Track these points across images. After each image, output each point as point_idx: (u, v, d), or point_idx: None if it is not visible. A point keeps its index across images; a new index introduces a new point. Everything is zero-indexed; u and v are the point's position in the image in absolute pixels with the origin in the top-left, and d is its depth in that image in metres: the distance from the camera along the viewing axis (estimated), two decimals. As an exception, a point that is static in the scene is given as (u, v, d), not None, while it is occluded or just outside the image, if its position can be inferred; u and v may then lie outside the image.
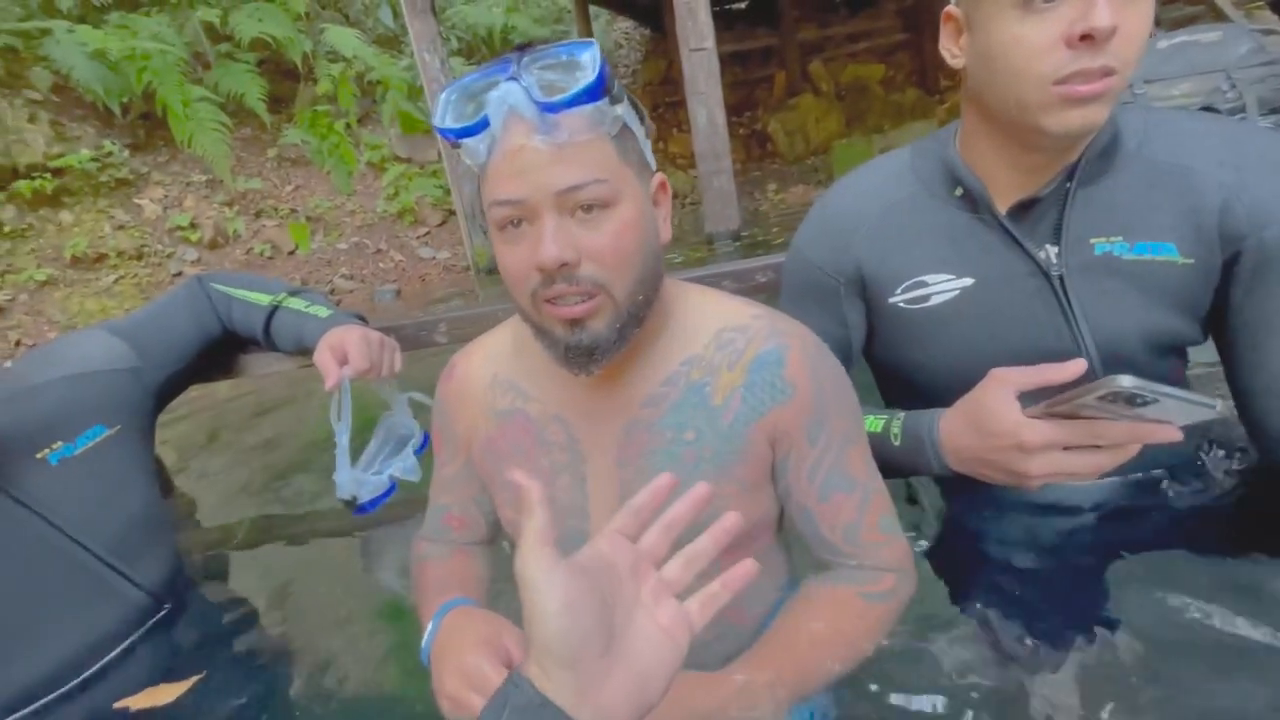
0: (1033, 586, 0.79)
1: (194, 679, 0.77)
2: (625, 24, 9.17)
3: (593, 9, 7.75)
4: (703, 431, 0.64)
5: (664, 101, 8.07)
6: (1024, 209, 0.74)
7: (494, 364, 0.74)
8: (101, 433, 0.87)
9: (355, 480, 0.96)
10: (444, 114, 0.59)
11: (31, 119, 4.43)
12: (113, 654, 0.80)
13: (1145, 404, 0.53)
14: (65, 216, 4.43)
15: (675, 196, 6.92)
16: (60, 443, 0.83)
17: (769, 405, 0.64)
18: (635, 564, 0.45)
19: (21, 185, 4.21)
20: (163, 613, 0.86)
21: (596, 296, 0.58)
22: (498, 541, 0.85)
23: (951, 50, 0.73)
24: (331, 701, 0.81)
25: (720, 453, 0.64)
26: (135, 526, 0.85)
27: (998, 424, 0.64)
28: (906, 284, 0.80)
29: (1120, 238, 0.72)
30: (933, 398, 0.78)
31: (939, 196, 0.79)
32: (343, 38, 5.83)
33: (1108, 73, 0.62)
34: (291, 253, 5.15)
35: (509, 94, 0.55)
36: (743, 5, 8.65)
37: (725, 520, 0.47)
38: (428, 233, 5.80)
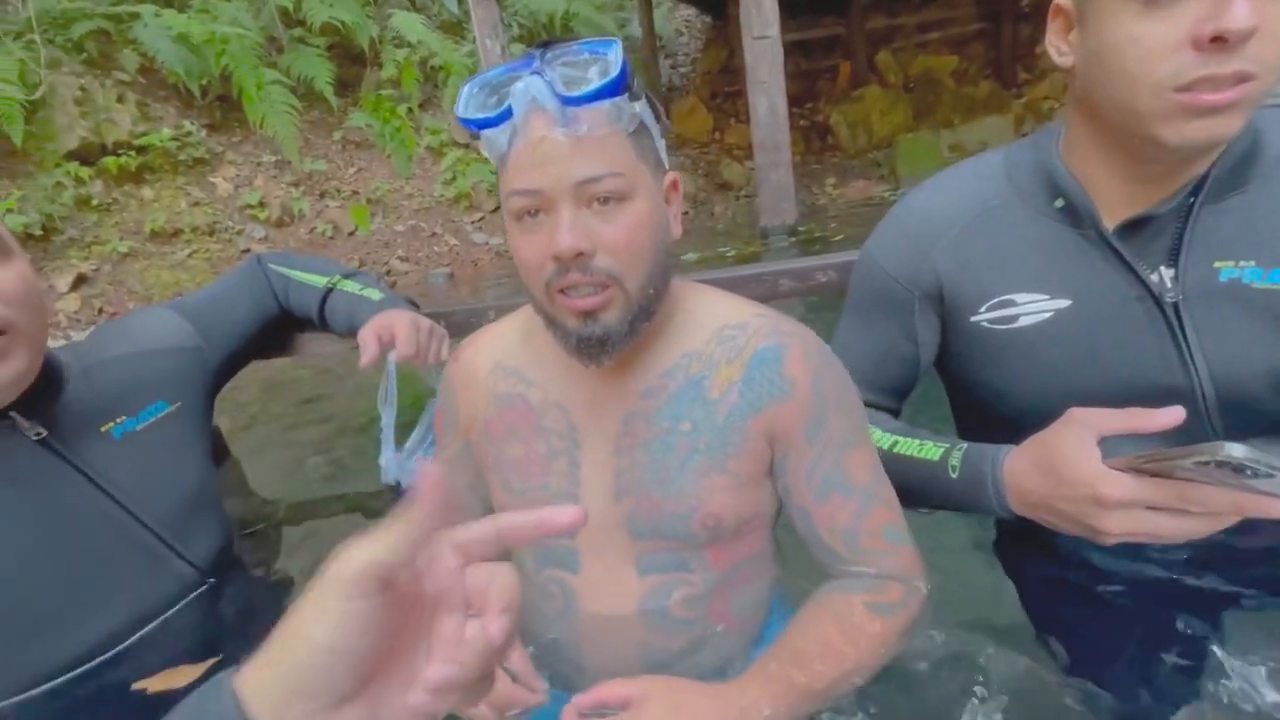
0: (1113, 623, 0.72)
1: (211, 661, 0.77)
2: (687, 11, 9.03)
3: (654, -4, 7.66)
4: (699, 423, 0.65)
5: (722, 91, 7.93)
6: (1136, 226, 0.66)
7: (498, 351, 0.75)
8: (163, 409, 0.89)
9: (399, 465, 0.97)
10: (466, 105, 0.61)
11: (120, 99, 4.68)
12: (154, 624, 0.82)
13: (1255, 476, 0.46)
14: (146, 192, 4.67)
15: (729, 188, 6.82)
16: (124, 417, 0.85)
17: (767, 401, 0.65)
18: (448, 592, 0.35)
19: (109, 162, 4.46)
20: (205, 587, 0.87)
21: (609, 288, 0.59)
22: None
23: (1059, 47, 0.65)
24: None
25: (714, 445, 0.65)
26: (188, 502, 0.87)
27: (1073, 471, 0.57)
28: (992, 302, 0.73)
29: (1252, 262, 0.63)
30: (1013, 428, 0.70)
31: (1036, 207, 0.72)
32: (408, 23, 5.93)
33: (1243, 79, 0.54)
34: (352, 233, 5.31)
35: (532, 87, 0.57)
36: (809, -8, 8.40)
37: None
38: (482, 218, 5.88)
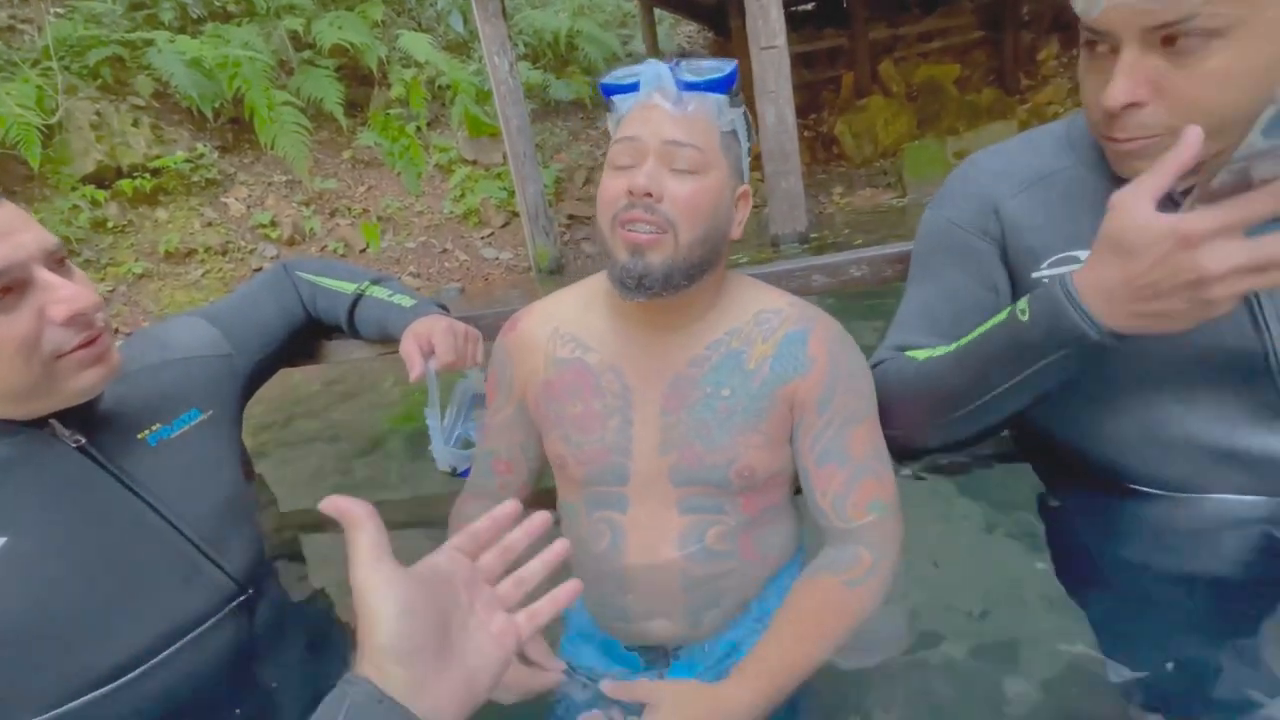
0: (1164, 617, 0.71)
1: None
2: (689, 28, 9.12)
3: (657, 13, 7.74)
4: (736, 390, 0.76)
5: (726, 104, 7.98)
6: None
7: (555, 320, 0.85)
8: (196, 417, 0.88)
9: (449, 453, 1.03)
10: (610, 78, 0.78)
11: (135, 123, 4.74)
12: (192, 635, 0.80)
13: None
14: (161, 214, 4.72)
15: (736, 199, 6.84)
16: (159, 424, 0.84)
17: (792, 375, 0.76)
18: (471, 579, 0.50)
19: (124, 185, 4.51)
20: (243, 598, 0.86)
21: (665, 233, 0.70)
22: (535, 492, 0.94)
23: None
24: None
25: (749, 408, 0.76)
26: (223, 511, 0.86)
27: (1147, 233, 0.52)
28: (1054, 258, 0.73)
29: None
30: (1087, 392, 0.70)
31: (1098, 173, 0.72)
32: (416, 43, 6.01)
33: (1147, 134, 0.60)
34: (363, 251, 5.33)
35: (660, 71, 0.73)
36: (809, 6, 8.47)
37: (555, 547, 0.54)
38: (491, 234, 5.91)
